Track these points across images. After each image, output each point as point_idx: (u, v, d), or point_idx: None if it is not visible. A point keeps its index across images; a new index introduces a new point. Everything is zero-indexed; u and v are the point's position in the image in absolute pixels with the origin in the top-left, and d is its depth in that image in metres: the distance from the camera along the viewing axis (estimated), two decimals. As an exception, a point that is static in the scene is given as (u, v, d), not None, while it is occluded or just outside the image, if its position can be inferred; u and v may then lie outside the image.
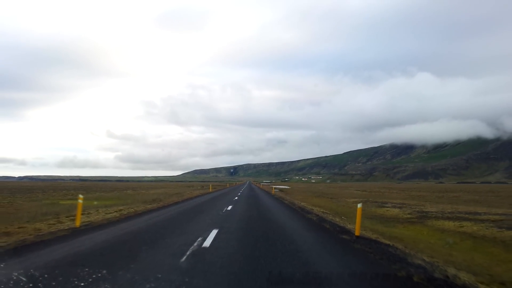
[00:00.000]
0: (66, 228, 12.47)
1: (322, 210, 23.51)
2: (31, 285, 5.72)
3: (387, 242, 11.15)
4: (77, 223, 13.13)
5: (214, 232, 11.81)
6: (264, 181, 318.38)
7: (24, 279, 5.98)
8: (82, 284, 5.83)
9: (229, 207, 23.14)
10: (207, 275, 6.75)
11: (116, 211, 19.12)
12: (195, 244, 9.71)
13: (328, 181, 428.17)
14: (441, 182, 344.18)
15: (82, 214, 14.40)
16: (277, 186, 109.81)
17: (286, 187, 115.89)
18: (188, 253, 8.56)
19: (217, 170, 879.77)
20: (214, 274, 6.83)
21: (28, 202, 30.67)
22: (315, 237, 12.02)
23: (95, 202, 26.24)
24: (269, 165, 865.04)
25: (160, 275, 6.50)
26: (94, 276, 6.28)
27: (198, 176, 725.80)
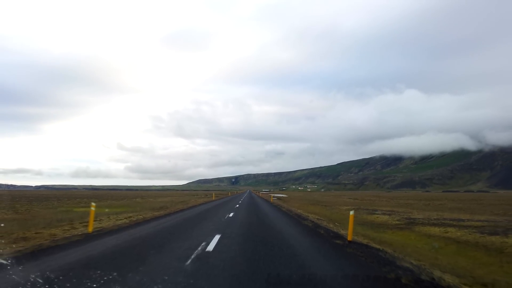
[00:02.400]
0: (80, 233, 12.45)
1: (317, 217, 23.42)
2: (47, 286, 5.72)
3: (378, 246, 11.14)
4: (90, 229, 13.11)
5: (216, 237, 11.79)
6: (263, 190, 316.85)
7: (40, 280, 5.99)
8: (95, 285, 5.85)
9: (231, 214, 23.05)
10: (210, 277, 6.76)
11: (126, 218, 19.05)
12: (199, 248, 9.70)
13: (322, 190, 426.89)
14: (427, 191, 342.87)
15: (94, 220, 14.39)
16: (275, 195, 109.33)
17: (283, 195, 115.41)
18: (192, 256, 8.55)
19: (219, 179, 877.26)
20: (217, 276, 6.83)
21: (44, 210, 30.62)
22: (310, 242, 12.00)
23: (107, 210, 26.18)
24: (268, 175, 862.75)
25: (166, 277, 6.51)
26: (105, 278, 6.28)
27: (202, 186, 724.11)
